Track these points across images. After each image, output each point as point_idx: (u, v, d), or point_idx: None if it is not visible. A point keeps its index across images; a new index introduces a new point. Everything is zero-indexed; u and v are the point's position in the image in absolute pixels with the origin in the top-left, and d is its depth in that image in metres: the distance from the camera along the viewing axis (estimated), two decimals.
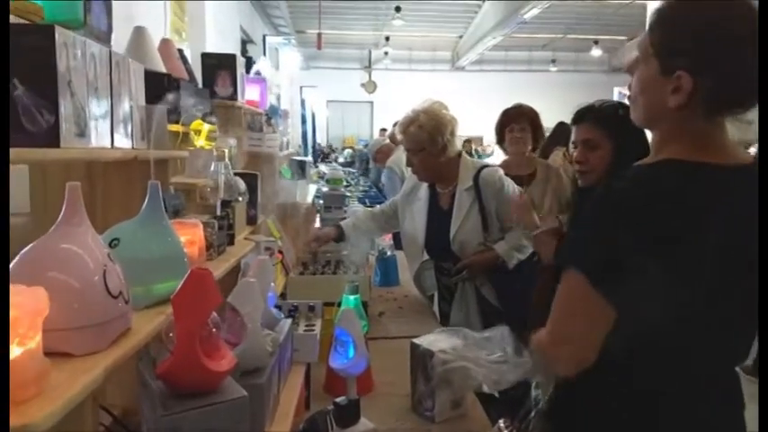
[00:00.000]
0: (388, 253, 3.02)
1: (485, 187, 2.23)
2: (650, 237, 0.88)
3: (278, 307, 1.55)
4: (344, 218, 3.24)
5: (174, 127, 2.02)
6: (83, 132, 1.03)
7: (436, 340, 1.54)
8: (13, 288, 0.57)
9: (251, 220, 2.09)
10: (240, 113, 2.64)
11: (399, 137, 2.34)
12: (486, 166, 2.35)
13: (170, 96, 1.80)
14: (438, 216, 2.32)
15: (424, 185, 2.39)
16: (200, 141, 2.06)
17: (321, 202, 3.21)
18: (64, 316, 0.67)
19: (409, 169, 4.44)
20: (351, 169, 8.44)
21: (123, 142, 1.22)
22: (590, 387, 0.99)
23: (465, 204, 2.23)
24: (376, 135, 11.88)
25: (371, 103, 15.91)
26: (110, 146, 1.14)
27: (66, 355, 0.70)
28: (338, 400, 1.28)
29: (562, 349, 0.97)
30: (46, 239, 0.72)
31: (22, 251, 0.70)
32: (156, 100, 1.51)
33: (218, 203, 1.47)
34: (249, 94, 2.90)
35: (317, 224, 3.18)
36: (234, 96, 2.50)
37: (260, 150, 2.60)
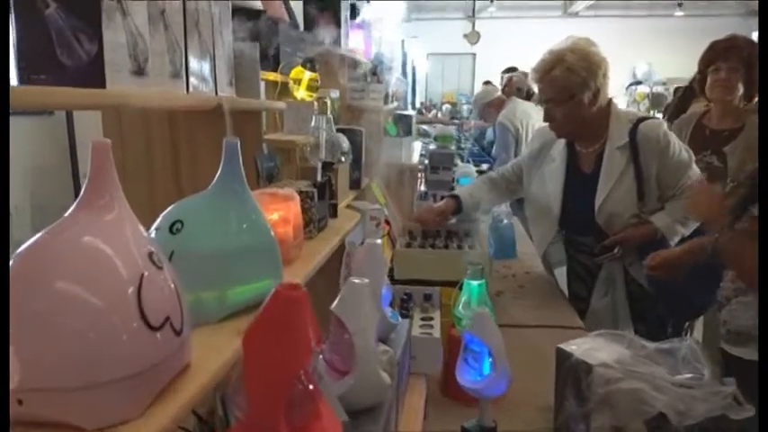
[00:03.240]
0: (504, 221, 2.64)
1: (644, 145, 1.77)
2: None
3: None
4: (453, 179, 2.92)
5: (270, 75, 1.76)
6: (141, 69, 0.76)
7: (593, 348, 1.18)
8: None
9: (354, 184, 1.81)
10: (343, 62, 2.35)
11: (535, 86, 1.92)
12: (646, 118, 1.88)
13: (265, 37, 1.52)
14: (579, 181, 1.90)
15: (560, 144, 1.97)
16: (300, 92, 1.80)
17: (427, 162, 2.88)
18: (64, 366, 0.41)
19: (525, 125, 4.05)
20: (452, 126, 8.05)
21: (201, 87, 0.95)
22: None
23: (617, 167, 1.80)
24: (477, 89, 11.25)
25: (473, 55, 15.17)
26: (184, 91, 0.88)
27: (75, 430, 0.44)
28: (468, 426, 0.97)
29: None
30: (50, 232, 0.45)
31: (18, 251, 0.44)
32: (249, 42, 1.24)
33: (319, 166, 1.19)
34: (353, 41, 2.60)
35: (422, 187, 2.87)
36: (337, 42, 2.20)
37: (364, 104, 2.30)
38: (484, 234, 2.51)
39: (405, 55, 9.16)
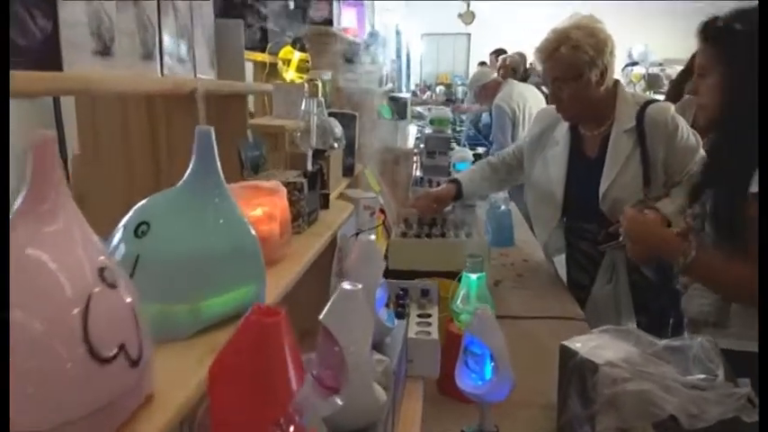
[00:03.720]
0: (502, 207, 2.58)
1: (652, 129, 1.69)
2: None
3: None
4: (449, 164, 2.84)
5: (258, 56, 1.67)
6: (106, 49, 0.67)
7: (598, 346, 1.12)
8: None
9: (348, 171, 1.73)
10: (335, 42, 2.25)
11: (539, 66, 1.83)
12: (654, 101, 1.80)
13: (251, 14, 1.43)
14: (583, 166, 1.83)
15: (563, 127, 1.89)
16: (289, 73, 1.71)
17: (422, 146, 2.80)
18: None
19: (522, 107, 3.96)
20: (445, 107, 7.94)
21: (177, 69, 0.87)
22: None
23: (623, 151, 1.72)
24: (473, 71, 11.11)
25: (468, 35, 14.97)
26: (157, 73, 0.80)
27: None
28: (468, 431, 0.91)
29: None
30: None
31: None
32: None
33: (310, 154, 1.11)
34: (345, 19, 2.50)
35: (417, 172, 2.79)
36: (329, 20, 2.10)
37: (357, 86, 2.21)
38: (481, 220, 2.45)
39: (399, 35, 9.01)
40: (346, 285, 0.60)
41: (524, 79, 4.51)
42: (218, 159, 0.57)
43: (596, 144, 1.80)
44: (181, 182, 0.57)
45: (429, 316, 1.13)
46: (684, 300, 1.49)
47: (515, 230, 2.55)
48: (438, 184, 2.58)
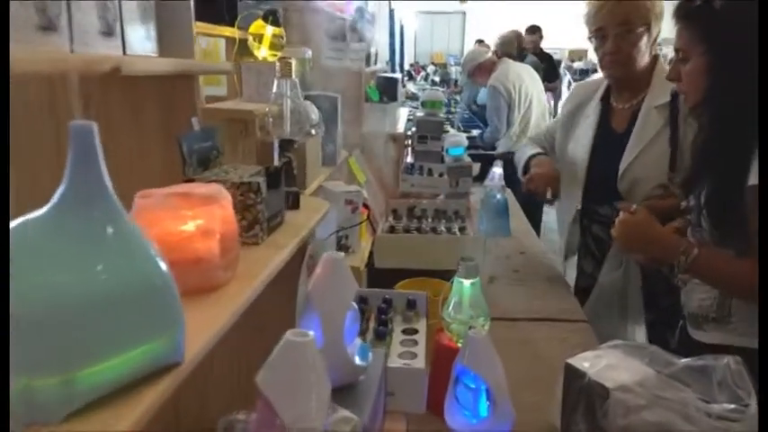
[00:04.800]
0: (498, 196, 2.42)
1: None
2: None
3: (362, 301, 1.05)
4: (442, 149, 2.68)
5: (226, 30, 1.49)
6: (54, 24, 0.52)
7: (610, 366, 0.98)
8: None
9: (328, 160, 1.57)
10: (318, 17, 2.07)
11: (594, 13, 1.65)
12: None
13: None
14: (608, 141, 1.67)
15: (595, 100, 1.74)
16: (262, 50, 1.53)
17: (414, 129, 2.63)
18: None
19: (519, 88, 3.78)
20: (439, 88, 7.75)
21: (99, 44, 0.70)
22: None
23: (652, 127, 1.57)
24: (468, 50, 10.87)
25: (463, 14, 14.72)
26: (66, 48, 0.64)
27: None
28: None
29: None
30: None
31: None
32: None
33: (276, 146, 0.95)
34: None
35: (409, 158, 2.63)
36: None
37: (342, 65, 2.04)
38: (475, 210, 2.29)
39: (392, 12, 8.78)
40: (292, 335, 0.44)
41: (522, 59, 4.33)
42: (103, 166, 0.40)
43: (626, 118, 1.66)
44: (52, 201, 0.40)
45: (415, 332, 0.98)
46: (684, 294, 1.38)
47: (511, 220, 2.40)
48: (430, 171, 2.43)
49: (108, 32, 0.71)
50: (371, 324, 1.00)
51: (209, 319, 0.52)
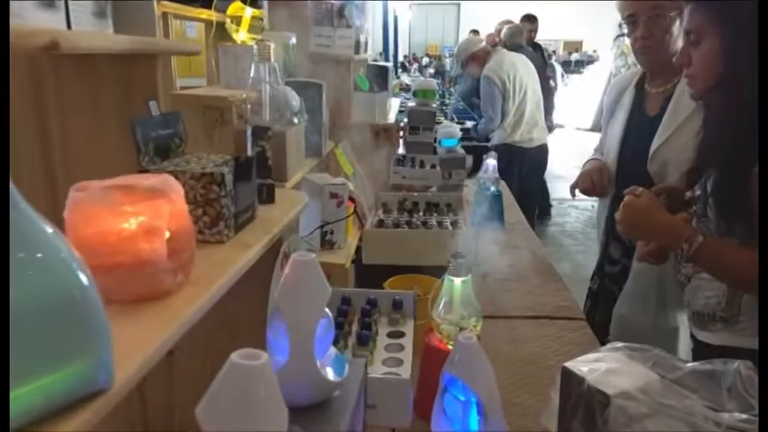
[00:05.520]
0: (492, 188, 2.35)
1: None
2: None
3: (344, 302, 0.98)
4: (435, 141, 2.60)
5: (203, 12, 1.41)
6: None
7: (610, 370, 0.91)
8: None
9: (313, 151, 1.49)
10: (304, 3, 1.99)
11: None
12: None
13: None
14: (640, 124, 1.63)
15: (631, 87, 1.70)
16: (240, 34, 1.46)
17: (406, 120, 2.55)
18: None
19: (513, 78, 3.70)
20: (433, 80, 7.66)
21: (39, 17, 0.62)
22: None
23: (684, 110, 1.52)
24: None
25: (458, 5, 14.64)
26: None
27: None
28: None
29: None
30: None
31: None
32: None
33: (249, 134, 0.87)
34: None
35: (400, 150, 2.55)
36: None
37: (329, 52, 1.96)
38: (468, 203, 2.22)
39: (386, 3, 8.66)
40: (239, 357, 0.36)
41: (516, 49, 4.24)
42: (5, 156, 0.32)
43: (659, 102, 1.61)
44: None
45: (402, 335, 0.91)
46: (688, 291, 1.31)
47: (506, 213, 2.33)
48: (422, 163, 2.35)
49: (48, 4, 0.63)
50: (354, 327, 0.93)
51: (148, 333, 0.44)
